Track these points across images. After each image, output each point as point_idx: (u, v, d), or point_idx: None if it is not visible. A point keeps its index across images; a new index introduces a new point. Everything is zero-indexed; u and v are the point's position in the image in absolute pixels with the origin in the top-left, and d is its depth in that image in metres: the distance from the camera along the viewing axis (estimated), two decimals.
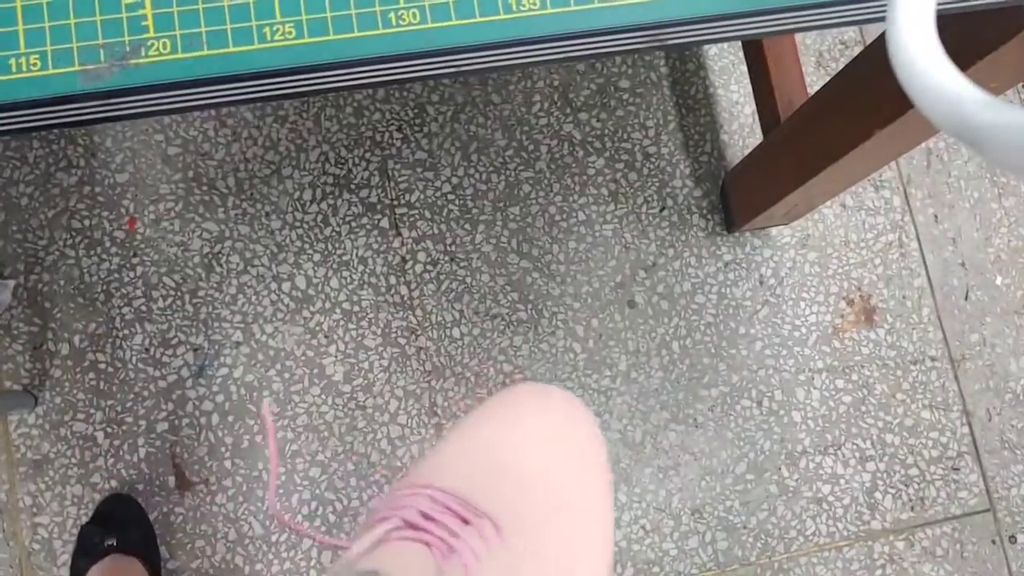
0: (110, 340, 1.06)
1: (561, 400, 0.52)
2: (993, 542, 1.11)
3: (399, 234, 1.11)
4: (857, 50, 1.23)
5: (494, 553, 0.41)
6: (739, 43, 1.18)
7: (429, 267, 1.11)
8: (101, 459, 1.03)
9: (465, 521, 0.41)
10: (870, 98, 0.77)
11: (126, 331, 1.06)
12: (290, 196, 1.11)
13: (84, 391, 1.04)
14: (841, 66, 1.07)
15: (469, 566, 0.39)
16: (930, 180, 1.20)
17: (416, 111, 1.14)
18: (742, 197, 1.11)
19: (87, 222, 1.08)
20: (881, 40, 0.71)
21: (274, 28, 0.40)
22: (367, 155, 1.13)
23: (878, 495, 1.10)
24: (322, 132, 1.13)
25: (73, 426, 1.03)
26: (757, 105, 1.08)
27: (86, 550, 0.94)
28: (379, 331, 1.08)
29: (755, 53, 1.07)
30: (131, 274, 1.07)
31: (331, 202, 1.11)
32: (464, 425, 0.50)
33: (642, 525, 1.07)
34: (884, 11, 0.29)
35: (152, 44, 0.40)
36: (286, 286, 1.08)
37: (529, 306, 1.11)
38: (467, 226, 1.12)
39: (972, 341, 1.16)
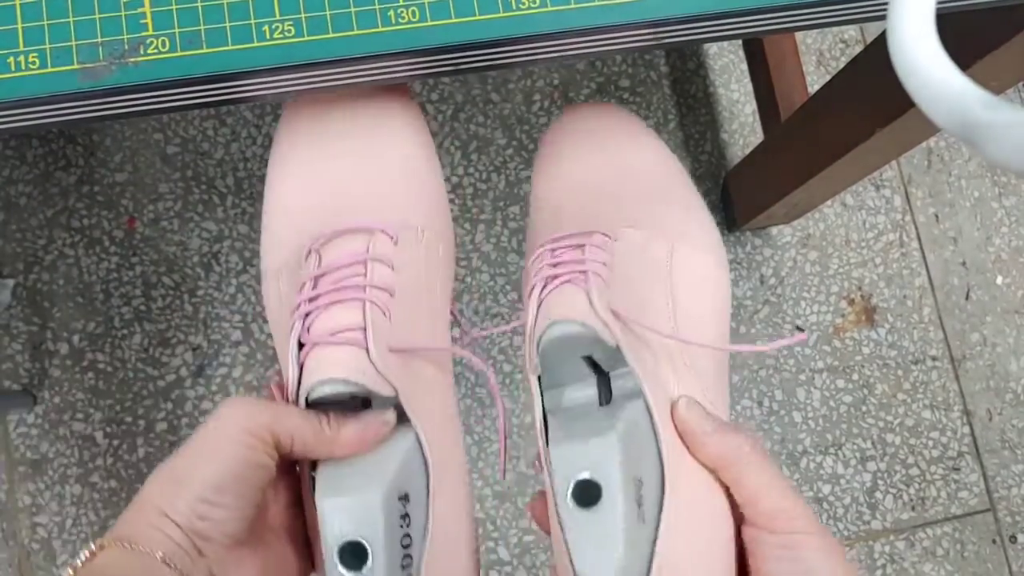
0: (109, 340, 1.06)
1: (607, 114, 0.54)
2: (994, 542, 1.11)
3: None
4: (858, 49, 1.22)
5: (618, 250, 0.44)
6: (739, 42, 1.18)
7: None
8: (100, 459, 1.03)
9: (580, 246, 0.43)
10: (871, 97, 0.77)
11: (125, 331, 1.06)
12: None
13: (83, 391, 1.04)
14: (842, 65, 1.07)
15: (603, 275, 0.41)
16: (931, 179, 1.20)
17: None
18: (742, 196, 1.11)
19: (86, 221, 1.08)
20: (882, 39, 0.71)
21: (273, 26, 0.40)
22: None
23: (879, 495, 1.10)
24: None
25: (72, 426, 1.03)
26: (757, 104, 1.08)
27: None
28: None
29: (755, 52, 1.07)
30: (130, 273, 1.07)
31: None
32: (539, 178, 0.52)
33: None
34: (884, 9, 0.29)
35: (151, 42, 0.40)
36: None
37: None
38: (467, 225, 1.12)
39: (973, 341, 1.16)
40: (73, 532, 1.01)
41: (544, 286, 0.41)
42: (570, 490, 0.35)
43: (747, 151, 1.13)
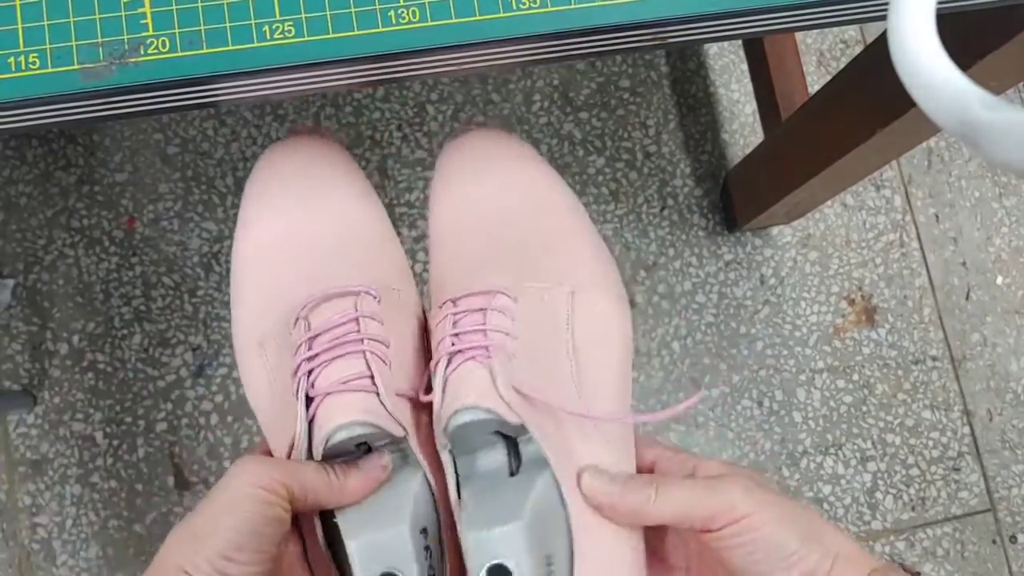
0: (109, 340, 1.05)
1: (493, 142, 0.53)
2: (994, 542, 1.11)
3: (398, 233, 1.11)
4: (858, 49, 1.22)
5: (520, 312, 0.44)
6: (740, 42, 1.18)
7: (428, 266, 1.10)
8: (100, 459, 1.03)
9: (482, 310, 0.44)
10: (871, 97, 0.77)
11: (125, 331, 1.06)
12: None
13: (83, 391, 1.04)
14: (842, 65, 1.07)
15: (506, 347, 0.42)
16: (931, 179, 1.20)
17: (416, 110, 1.14)
18: (743, 196, 1.11)
19: (86, 221, 1.08)
20: (882, 39, 0.71)
21: (273, 26, 0.40)
22: (366, 154, 1.13)
23: (879, 495, 1.10)
24: (322, 131, 1.13)
25: (72, 426, 1.03)
26: (758, 104, 1.08)
27: None
28: None
29: (756, 52, 1.07)
30: (130, 273, 1.07)
31: None
32: (436, 212, 0.52)
33: None
34: (885, 9, 0.29)
35: (151, 42, 0.40)
36: None
37: None
38: None
39: (973, 341, 1.16)
40: (73, 532, 1.01)
41: (448, 362, 0.42)
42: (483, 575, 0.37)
43: (747, 151, 1.13)
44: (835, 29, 1.23)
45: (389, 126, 1.14)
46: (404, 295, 0.49)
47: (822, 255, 1.16)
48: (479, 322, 0.43)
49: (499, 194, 0.50)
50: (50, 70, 0.39)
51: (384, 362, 0.43)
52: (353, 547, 0.38)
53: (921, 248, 1.18)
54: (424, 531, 0.40)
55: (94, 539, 1.01)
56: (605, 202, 1.14)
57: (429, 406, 0.44)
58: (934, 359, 1.15)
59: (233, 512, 0.36)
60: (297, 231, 0.49)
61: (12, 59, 0.39)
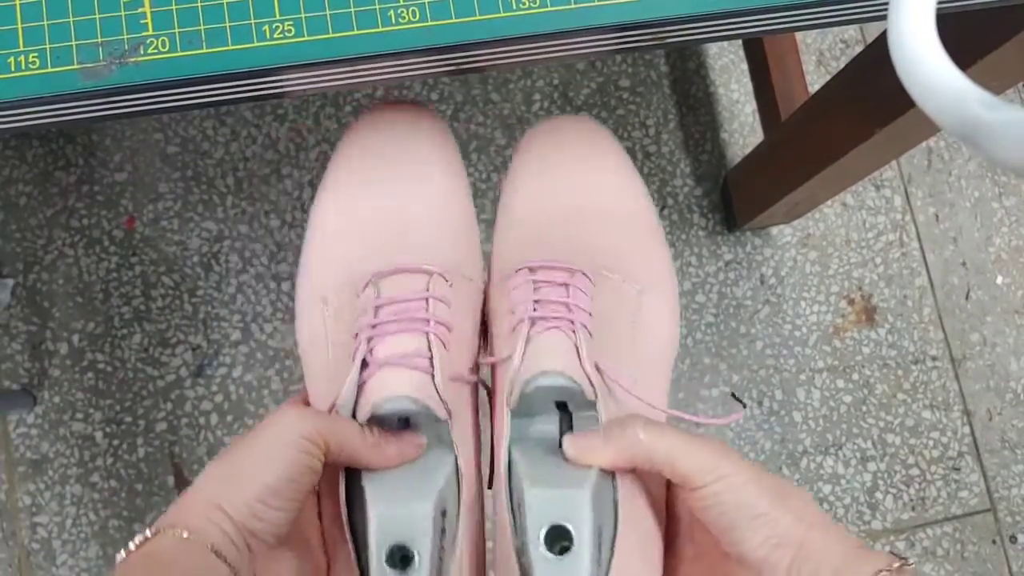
0: (109, 339, 1.05)
1: (576, 128, 0.54)
2: (993, 542, 1.11)
3: None
4: (858, 49, 1.22)
5: (596, 296, 0.45)
6: (740, 42, 1.18)
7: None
8: (100, 459, 1.03)
9: (564, 285, 0.44)
10: (871, 97, 0.77)
11: (125, 330, 1.06)
12: (289, 195, 1.11)
13: (83, 391, 1.04)
14: (842, 65, 1.07)
15: (588, 325, 0.43)
16: (931, 179, 1.20)
17: None
18: (743, 196, 1.11)
19: (86, 221, 1.08)
20: (882, 39, 0.71)
21: (273, 26, 0.40)
22: None
23: (879, 495, 1.10)
24: (321, 131, 1.13)
25: (72, 426, 1.03)
26: (758, 104, 1.08)
27: None
28: None
29: (756, 52, 1.07)
30: (130, 273, 1.07)
31: None
32: (511, 189, 0.52)
33: None
34: (885, 9, 0.29)
35: (151, 42, 0.40)
36: (285, 285, 1.08)
37: None
38: None
39: (973, 341, 1.16)
40: (73, 532, 1.01)
41: (532, 325, 0.43)
42: (543, 534, 0.37)
43: (747, 151, 1.13)
44: (835, 29, 1.23)
45: None
46: (474, 284, 0.50)
47: (822, 255, 1.16)
48: (562, 295, 0.44)
49: (584, 191, 0.51)
50: (50, 70, 0.39)
51: (444, 346, 0.44)
52: (374, 514, 0.38)
53: (921, 248, 1.18)
54: (444, 513, 0.40)
55: (94, 539, 1.01)
56: None
57: (475, 391, 0.46)
58: (934, 359, 1.15)
59: (275, 459, 0.37)
60: (381, 200, 0.49)
61: (12, 59, 0.39)
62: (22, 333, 1.05)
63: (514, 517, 0.40)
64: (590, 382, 0.41)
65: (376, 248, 0.48)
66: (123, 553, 0.35)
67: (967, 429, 1.13)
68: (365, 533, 0.39)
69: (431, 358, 0.42)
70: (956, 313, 1.17)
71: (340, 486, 0.41)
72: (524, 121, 1.15)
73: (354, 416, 0.42)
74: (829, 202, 1.17)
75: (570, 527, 0.37)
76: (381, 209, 0.49)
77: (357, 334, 0.43)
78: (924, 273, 1.17)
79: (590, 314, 0.44)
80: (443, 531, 0.40)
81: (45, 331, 1.05)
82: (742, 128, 1.19)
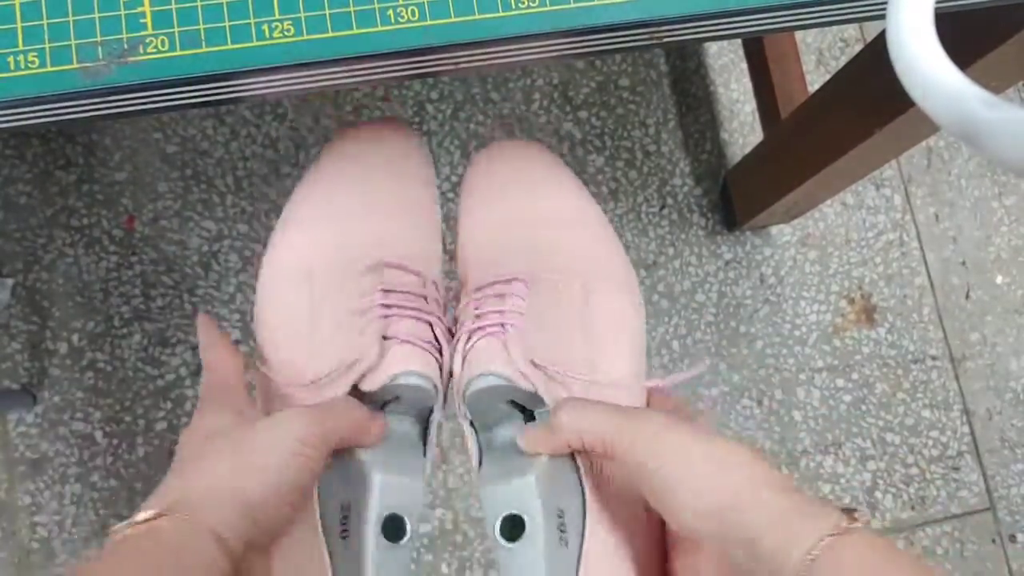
0: (109, 339, 1.05)
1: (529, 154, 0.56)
2: (993, 541, 1.11)
3: None
4: (857, 48, 1.22)
5: (536, 295, 0.47)
6: (739, 41, 1.18)
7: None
8: (100, 458, 1.03)
9: (501, 296, 0.47)
10: (870, 96, 0.77)
11: (125, 330, 1.06)
12: (289, 195, 1.10)
13: (83, 390, 1.04)
14: (841, 64, 1.07)
15: (519, 325, 0.45)
16: (931, 179, 1.20)
17: (415, 109, 1.14)
18: (742, 195, 1.11)
19: (86, 221, 1.08)
20: (881, 38, 0.70)
21: (272, 25, 0.40)
22: None
23: (878, 494, 1.10)
24: (321, 130, 1.13)
25: (72, 425, 1.03)
26: (757, 103, 1.08)
27: None
28: None
29: (755, 51, 1.07)
30: (129, 273, 1.07)
31: None
32: (464, 216, 0.54)
33: None
34: (884, 8, 0.29)
35: (150, 41, 0.39)
36: None
37: None
38: None
39: (973, 340, 1.16)
40: (73, 531, 1.01)
41: (468, 339, 0.46)
42: (498, 526, 0.39)
43: (747, 150, 1.13)
44: (834, 28, 1.23)
45: None
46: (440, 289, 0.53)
47: (822, 254, 1.16)
48: (498, 305, 0.46)
49: (524, 202, 0.53)
50: (49, 69, 0.39)
51: (447, 339, 0.47)
52: (376, 481, 0.39)
53: (921, 247, 1.18)
54: (561, 513, 0.41)
55: (94, 538, 1.01)
56: (604, 201, 1.14)
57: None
58: (934, 358, 1.15)
59: (282, 468, 0.38)
60: (364, 194, 0.51)
61: (11, 58, 0.39)
62: (22, 332, 1.05)
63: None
64: (523, 375, 0.42)
65: (367, 239, 0.49)
66: (123, 526, 0.35)
67: (967, 428, 1.13)
68: (348, 505, 0.39)
69: (440, 348, 0.45)
70: (956, 313, 1.17)
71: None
72: (523, 120, 1.15)
73: (364, 388, 0.43)
74: (829, 201, 1.17)
75: (521, 514, 0.38)
76: (361, 201, 0.51)
77: (365, 312, 0.45)
78: (924, 272, 1.17)
79: (522, 314, 0.46)
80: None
81: (45, 330, 1.05)
82: (742, 127, 1.19)
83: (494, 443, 0.45)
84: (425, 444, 0.46)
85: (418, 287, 0.47)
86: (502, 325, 0.45)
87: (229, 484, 0.37)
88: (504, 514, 0.39)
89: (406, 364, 0.43)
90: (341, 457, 0.42)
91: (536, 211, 0.52)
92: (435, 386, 0.44)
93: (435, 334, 0.46)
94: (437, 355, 0.45)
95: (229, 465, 0.38)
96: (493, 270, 0.49)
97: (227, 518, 0.36)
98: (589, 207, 0.55)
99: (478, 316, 0.46)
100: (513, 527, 0.39)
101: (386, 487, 0.40)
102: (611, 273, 0.51)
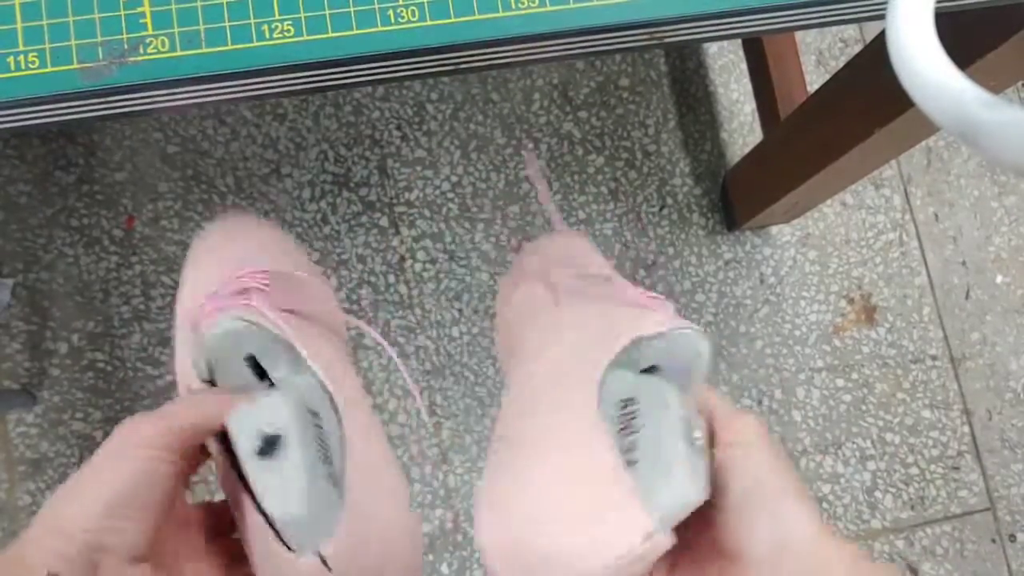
0: (109, 339, 1.06)
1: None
2: (993, 541, 1.11)
3: (398, 232, 1.11)
4: (857, 48, 1.22)
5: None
6: (739, 41, 1.18)
7: (428, 265, 1.10)
8: None
9: None
10: (870, 96, 0.77)
11: (124, 330, 1.06)
12: (289, 195, 1.11)
13: (83, 390, 1.04)
14: (841, 64, 1.07)
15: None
16: (930, 178, 1.20)
17: (415, 109, 1.14)
18: (742, 195, 1.11)
19: (86, 221, 1.08)
20: (881, 38, 0.71)
21: (272, 26, 0.40)
22: (366, 153, 1.13)
23: (878, 494, 1.10)
24: (321, 130, 1.13)
25: (72, 425, 1.03)
26: (757, 103, 1.08)
27: None
28: (378, 330, 1.08)
29: (755, 51, 1.07)
30: (129, 273, 1.07)
31: (330, 200, 1.11)
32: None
33: None
34: (884, 9, 0.29)
35: (150, 42, 0.40)
36: None
37: None
38: (467, 224, 1.12)
39: (972, 340, 1.16)
40: None
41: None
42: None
43: (747, 150, 1.13)
44: (834, 28, 1.23)
45: (389, 125, 1.14)
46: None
47: (821, 254, 1.16)
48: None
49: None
50: (49, 69, 0.39)
51: (262, 289, 0.46)
52: (232, 424, 0.38)
53: (920, 247, 1.18)
54: (315, 414, 0.40)
55: None
56: (604, 201, 1.14)
57: (333, 327, 0.51)
58: (933, 358, 1.15)
59: (113, 472, 0.36)
60: (239, 254, 0.54)
61: (11, 58, 0.39)
62: (22, 333, 1.05)
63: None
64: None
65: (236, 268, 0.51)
66: None
67: (966, 428, 1.13)
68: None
69: (249, 300, 0.44)
70: (956, 312, 1.17)
71: (212, 444, 0.41)
72: (524, 120, 1.15)
73: (203, 367, 0.43)
74: (828, 201, 1.17)
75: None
76: (237, 254, 0.54)
77: (194, 322, 0.45)
78: (924, 272, 1.17)
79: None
80: (319, 426, 0.40)
81: (45, 330, 1.05)
82: (741, 127, 1.19)
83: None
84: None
85: (244, 274, 0.48)
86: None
87: (65, 508, 0.35)
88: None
89: (215, 326, 0.42)
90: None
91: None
92: (250, 322, 0.42)
93: (249, 294, 0.45)
94: (251, 303, 0.44)
95: (66, 491, 0.36)
96: None
97: (60, 546, 0.34)
98: None
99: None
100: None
101: (242, 416, 0.38)
102: None
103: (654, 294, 0.46)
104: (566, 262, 0.56)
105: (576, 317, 0.49)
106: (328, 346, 0.47)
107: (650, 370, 0.43)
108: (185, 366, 0.48)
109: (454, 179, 1.13)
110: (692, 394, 0.40)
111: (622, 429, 0.39)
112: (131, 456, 0.37)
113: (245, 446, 0.38)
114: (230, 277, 0.48)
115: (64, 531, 0.35)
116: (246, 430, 0.38)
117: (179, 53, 0.40)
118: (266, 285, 0.47)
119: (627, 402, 0.40)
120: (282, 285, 0.48)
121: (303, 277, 0.51)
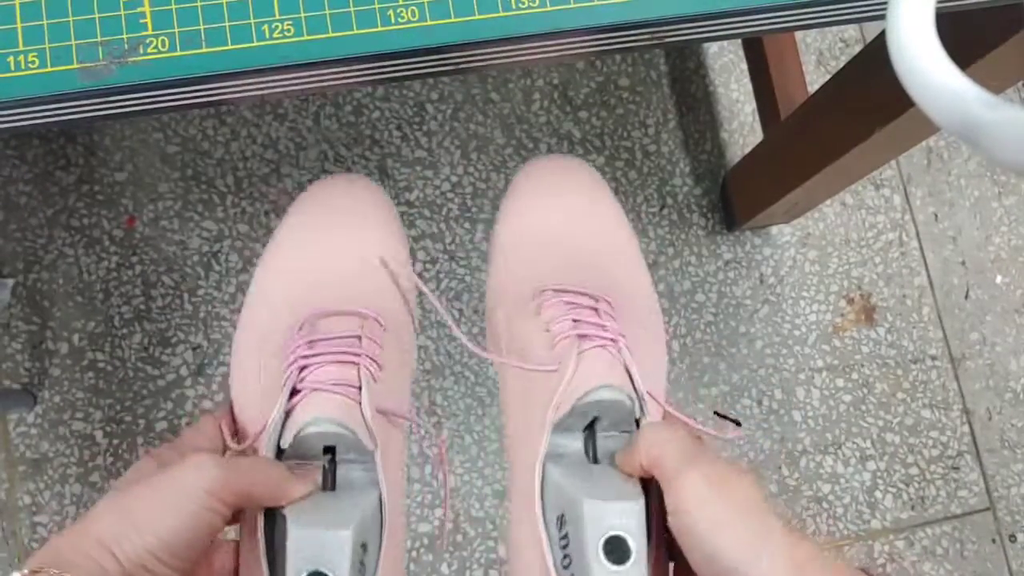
0: (109, 339, 1.06)
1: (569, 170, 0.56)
2: (993, 541, 1.11)
3: None
4: (857, 48, 1.22)
5: (620, 321, 0.47)
6: (739, 41, 1.18)
7: (428, 265, 1.10)
8: (100, 458, 1.03)
9: (594, 309, 0.47)
10: (870, 96, 0.77)
11: (125, 330, 1.06)
12: (289, 195, 1.11)
13: (83, 390, 1.04)
14: (841, 64, 1.07)
15: (625, 347, 0.45)
16: (930, 178, 1.20)
17: (415, 109, 1.14)
18: (742, 195, 1.11)
19: (86, 221, 1.08)
20: (881, 38, 0.71)
21: (272, 26, 0.40)
22: (366, 153, 1.13)
23: (878, 494, 1.10)
24: (321, 130, 1.13)
25: (72, 425, 1.03)
26: (757, 103, 1.08)
27: None
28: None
29: (755, 51, 1.07)
30: (130, 273, 1.07)
31: None
32: (505, 227, 0.54)
33: None
34: (884, 9, 0.29)
35: (151, 42, 0.40)
36: None
37: None
38: (467, 224, 1.12)
39: (972, 340, 1.16)
40: None
41: (580, 342, 0.44)
42: (601, 545, 0.38)
43: (747, 150, 1.13)
44: (834, 28, 1.23)
45: (389, 125, 1.14)
46: (407, 336, 0.51)
47: (821, 254, 1.16)
48: (596, 317, 0.46)
49: (586, 224, 0.53)
50: (49, 69, 0.39)
51: (374, 379, 0.45)
52: (293, 537, 0.38)
53: (920, 247, 1.18)
54: (364, 547, 0.40)
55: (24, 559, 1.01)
56: None
57: (405, 435, 0.47)
58: (933, 358, 1.15)
59: (176, 512, 0.36)
60: (323, 255, 0.51)
61: (11, 58, 0.39)
62: (22, 333, 1.05)
63: (554, 530, 0.41)
64: (640, 399, 0.42)
65: (307, 292, 0.50)
66: None
67: (966, 428, 1.13)
68: (284, 565, 0.38)
69: (360, 388, 0.43)
70: (955, 312, 1.17)
71: (259, 521, 0.41)
72: (524, 120, 1.15)
73: (279, 446, 0.42)
74: (828, 201, 1.17)
75: (627, 537, 0.38)
76: (319, 261, 0.51)
77: (289, 365, 0.44)
78: (923, 272, 1.17)
79: (623, 336, 0.45)
80: (363, 564, 0.40)
81: (45, 331, 1.05)
82: (742, 128, 1.19)
83: (556, 449, 0.44)
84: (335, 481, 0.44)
85: (355, 328, 0.47)
86: (614, 341, 0.45)
87: (119, 530, 0.35)
88: (608, 535, 0.38)
89: (312, 412, 0.42)
90: (273, 517, 0.41)
91: (592, 233, 0.53)
92: (352, 432, 0.41)
93: (359, 375, 0.44)
94: (356, 396, 0.43)
95: (122, 512, 0.36)
96: (562, 277, 0.49)
97: (109, 566, 0.34)
98: (631, 235, 0.56)
99: (577, 322, 0.45)
100: (615, 548, 0.38)
101: (303, 542, 0.38)
102: (651, 307, 0.52)
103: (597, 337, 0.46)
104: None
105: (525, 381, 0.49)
106: (395, 449, 0.47)
107: (593, 423, 0.45)
108: (248, 385, 0.48)
109: (454, 179, 1.13)
110: (635, 446, 0.41)
111: (562, 538, 0.40)
112: (194, 499, 0.36)
113: (296, 566, 0.38)
114: (340, 326, 0.46)
115: (115, 553, 0.35)
116: (303, 553, 0.38)
117: (179, 53, 0.39)
118: (373, 361, 0.46)
119: (559, 519, 0.41)
120: (391, 343, 0.47)
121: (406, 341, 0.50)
